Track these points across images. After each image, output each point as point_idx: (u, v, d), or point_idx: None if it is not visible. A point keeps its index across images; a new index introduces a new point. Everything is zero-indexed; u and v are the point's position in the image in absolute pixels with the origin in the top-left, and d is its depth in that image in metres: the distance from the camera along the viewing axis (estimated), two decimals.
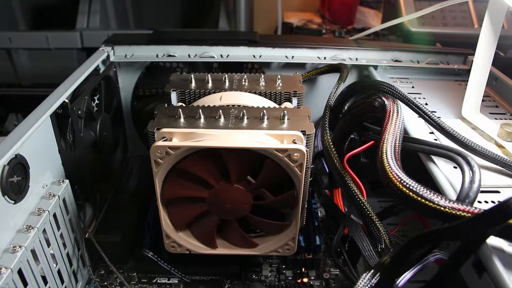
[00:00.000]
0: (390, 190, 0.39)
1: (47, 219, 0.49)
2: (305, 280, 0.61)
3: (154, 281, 0.61)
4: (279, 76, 0.58)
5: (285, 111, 0.49)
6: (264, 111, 0.49)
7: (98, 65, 0.69)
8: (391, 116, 0.48)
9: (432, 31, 1.04)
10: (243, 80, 0.58)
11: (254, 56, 0.74)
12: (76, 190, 0.58)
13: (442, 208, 0.35)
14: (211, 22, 1.32)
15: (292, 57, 0.74)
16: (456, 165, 0.44)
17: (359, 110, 0.56)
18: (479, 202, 0.42)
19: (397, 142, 0.44)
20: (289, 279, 0.61)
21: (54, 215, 0.51)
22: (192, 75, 0.58)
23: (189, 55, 0.74)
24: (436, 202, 0.35)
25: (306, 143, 0.48)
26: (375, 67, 0.74)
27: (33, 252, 0.46)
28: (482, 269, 0.36)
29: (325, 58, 0.74)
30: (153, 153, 0.45)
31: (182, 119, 0.49)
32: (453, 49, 0.76)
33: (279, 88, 0.57)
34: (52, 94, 0.55)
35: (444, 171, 0.46)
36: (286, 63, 0.75)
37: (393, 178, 0.38)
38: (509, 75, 0.65)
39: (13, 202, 0.44)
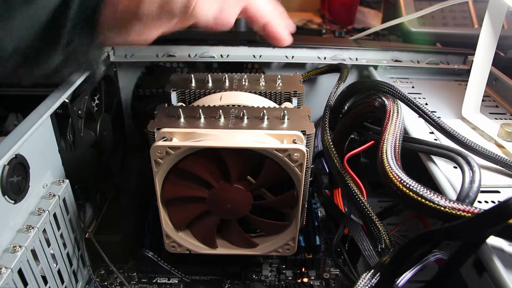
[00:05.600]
0: (390, 190, 0.39)
1: (47, 219, 0.49)
2: (305, 280, 0.61)
3: (154, 281, 0.61)
4: (279, 76, 0.58)
5: (285, 111, 0.49)
6: (264, 111, 0.49)
7: None
8: (391, 116, 0.48)
9: (432, 31, 1.04)
10: (243, 80, 0.58)
11: (254, 56, 0.74)
12: (76, 190, 0.58)
13: (442, 208, 0.35)
14: None
15: (292, 57, 0.74)
16: (456, 165, 0.44)
17: (359, 110, 0.56)
18: (479, 202, 0.42)
19: (397, 142, 0.44)
20: (289, 279, 0.61)
21: (54, 215, 0.51)
22: (192, 75, 0.58)
23: (189, 55, 0.74)
24: (436, 202, 0.35)
25: (306, 143, 0.48)
26: (375, 67, 0.74)
27: (33, 252, 0.46)
28: (482, 269, 0.36)
29: (325, 58, 0.74)
30: (153, 153, 0.45)
31: (182, 119, 0.49)
32: (453, 49, 0.76)
33: (279, 88, 0.57)
34: (52, 94, 0.55)
35: (444, 171, 0.46)
36: (286, 63, 0.75)
37: (393, 178, 0.38)
38: (509, 75, 0.65)
39: (13, 202, 0.44)
